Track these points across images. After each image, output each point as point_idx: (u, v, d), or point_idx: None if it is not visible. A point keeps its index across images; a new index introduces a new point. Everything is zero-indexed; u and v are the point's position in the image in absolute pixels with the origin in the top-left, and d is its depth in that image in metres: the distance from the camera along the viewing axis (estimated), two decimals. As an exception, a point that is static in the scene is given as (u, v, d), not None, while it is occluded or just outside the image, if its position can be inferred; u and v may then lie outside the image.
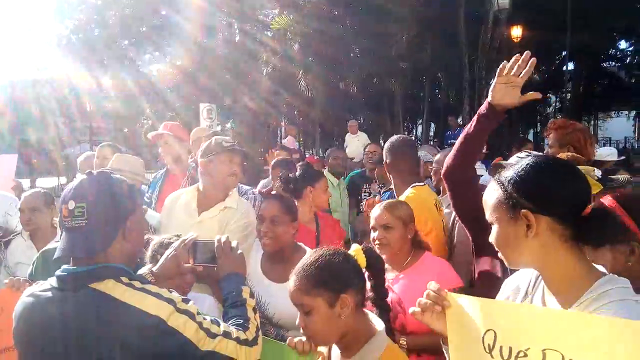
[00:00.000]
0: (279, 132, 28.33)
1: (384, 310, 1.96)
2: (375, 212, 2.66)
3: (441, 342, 1.53)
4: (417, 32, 15.19)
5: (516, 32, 17.29)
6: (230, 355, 1.66)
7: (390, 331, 1.90)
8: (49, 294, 1.66)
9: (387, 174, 3.58)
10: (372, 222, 2.67)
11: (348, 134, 12.12)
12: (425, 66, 17.88)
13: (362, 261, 1.87)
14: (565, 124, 3.64)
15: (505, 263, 1.51)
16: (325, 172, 6.01)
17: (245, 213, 3.09)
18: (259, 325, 1.84)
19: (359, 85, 16.74)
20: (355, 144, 11.34)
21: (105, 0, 22.49)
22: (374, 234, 2.64)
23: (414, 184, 3.36)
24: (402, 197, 3.27)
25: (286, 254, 2.77)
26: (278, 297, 2.63)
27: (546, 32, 17.18)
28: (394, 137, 3.65)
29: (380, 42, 15.74)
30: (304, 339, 1.96)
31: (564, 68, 22.38)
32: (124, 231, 1.69)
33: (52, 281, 1.68)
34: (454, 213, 3.42)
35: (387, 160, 3.50)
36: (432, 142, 19.56)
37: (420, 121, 23.53)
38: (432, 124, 22.34)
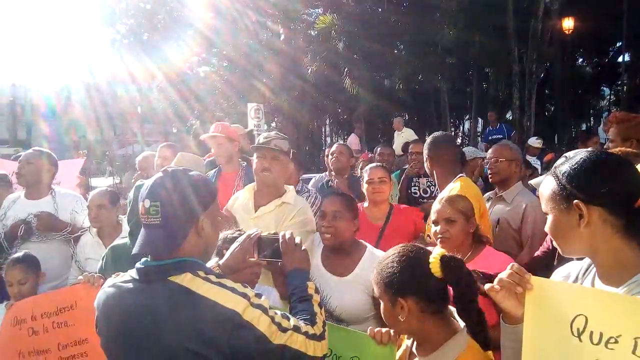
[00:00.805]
0: (323, 130, 28.48)
1: (473, 326, 1.74)
2: (436, 206, 2.66)
3: (501, 319, 1.57)
4: (464, 25, 14.90)
5: (568, 23, 16.72)
6: (299, 349, 1.69)
7: (484, 342, 1.74)
8: (130, 285, 1.74)
9: (430, 168, 3.62)
10: (433, 216, 2.67)
11: (395, 132, 12.06)
12: (472, 60, 17.54)
13: (436, 270, 1.70)
14: (627, 117, 3.54)
15: (559, 251, 1.58)
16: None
17: (303, 210, 3.13)
18: (325, 320, 1.88)
19: (404, 81, 16.58)
20: (401, 140, 11.28)
21: (154, 4, 23.12)
22: (435, 228, 2.64)
23: (459, 175, 3.41)
24: (453, 189, 3.28)
25: (346, 248, 2.81)
26: (339, 290, 2.68)
27: (600, 22, 16.54)
28: (435, 133, 3.79)
29: (425, 37, 15.55)
30: (384, 329, 1.98)
31: (620, 59, 21.46)
32: (196, 227, 1.75)
33: (133, 273, 1.76)
34: (523, 206, 3.49)
35: (429, 155, 3.56)
36: (480, 138, 19.21)
37: (468, 117, 23.11)
38: (480, 120, 21.87)
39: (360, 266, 2.73)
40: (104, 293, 1.81)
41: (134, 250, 1.74)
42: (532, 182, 2.62)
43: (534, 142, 9.09)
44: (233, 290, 1.65)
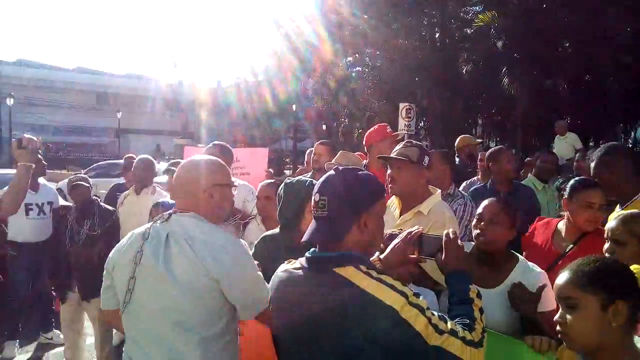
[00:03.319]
0: (474, 131, 27.45)
1: None
2: (611, 224, 2.46)
3: None
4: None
5: None
6: (455, 353, 1.66)
7: None
8: (300, 272, 1.90)
9: (600, 182, 3.32)
10: (606, 233, 2.47)
11: (557, 136, 11.22)
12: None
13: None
14: None
15: None
16: (530, 176, 5.74)
17: (440, 223, 2.98)
18: (485, 327, 1.83)
19: (567, 82, 15.32)
20: (563, 146, 10.47)
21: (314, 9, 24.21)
22: (606, 245, 2.45)
23: None
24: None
25: (497, 258, 2.69)
26: (487, 302, 2.55)
27: None
28: (604, 145, 3.46)
29: (596, 35, 14.19)
30: (543, 337, 1.94)
31: None
32: (359, 223, 1.85)
33: (302, 261, 1.93)
34: None
35: (595, 170, 3.31)
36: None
37: (642, 122, 20.66)
38: (658, 126, 19.41)
39: (512, 277, 2.60)
40: (277, 277, 2.00)
41: (303, 239, 1.88)
42: None
43: None
44: (392, 287, 1.69)
